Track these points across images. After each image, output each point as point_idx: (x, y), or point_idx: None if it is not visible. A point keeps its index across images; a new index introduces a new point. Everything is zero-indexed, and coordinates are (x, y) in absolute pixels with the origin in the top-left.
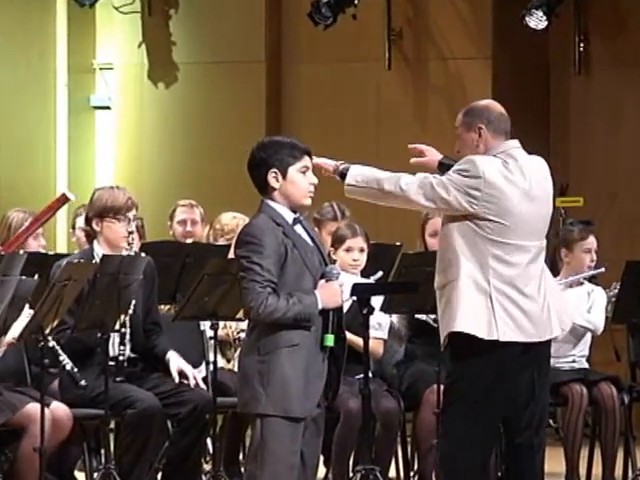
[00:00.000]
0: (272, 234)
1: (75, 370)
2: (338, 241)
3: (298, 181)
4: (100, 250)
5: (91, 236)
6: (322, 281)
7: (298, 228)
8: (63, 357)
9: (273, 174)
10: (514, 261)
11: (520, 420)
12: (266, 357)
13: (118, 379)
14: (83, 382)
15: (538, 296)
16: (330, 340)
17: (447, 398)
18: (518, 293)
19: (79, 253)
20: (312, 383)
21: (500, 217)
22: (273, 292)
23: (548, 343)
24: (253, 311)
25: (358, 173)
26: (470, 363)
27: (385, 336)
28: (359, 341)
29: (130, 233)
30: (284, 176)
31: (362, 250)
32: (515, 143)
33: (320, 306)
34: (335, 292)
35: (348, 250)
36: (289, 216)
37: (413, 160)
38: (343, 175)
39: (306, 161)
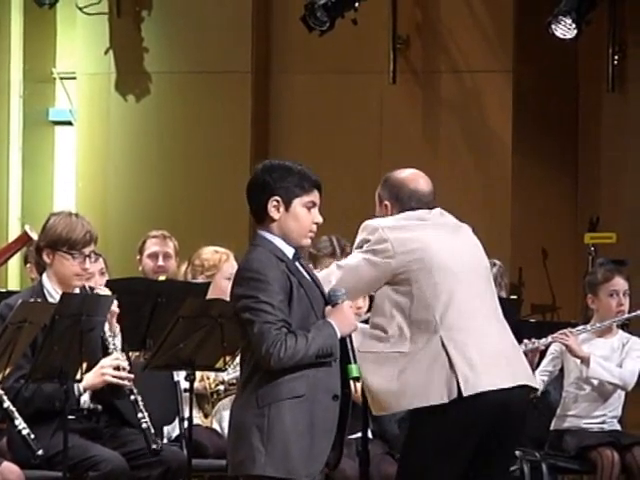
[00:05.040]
0: (276, 269)
1: (32, 437)
2: None
3: (301, 217)
4: (50, 286)
5: (41, 267)
6: (328, 307)
7: (298, 265)
8: (19, 420)
9: (275, 203)
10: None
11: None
12: (265, 410)
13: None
14: (41, 452)
15: (498, 334)
16: (355, 370)
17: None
18: (472, 334)
19: (28, 290)
20: (318, 441)
21: (424, 261)
22: (289, 332)
23: (519, 391)
24: (273, 358)
25: None
26: (428, 426)
27: None
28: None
29: (84, 270)
30: (287, 208)
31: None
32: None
33: (339, 335)
34: (348, 315)
35: None
36: (289, 251)
37: None
38: None
39: (314, 196)
